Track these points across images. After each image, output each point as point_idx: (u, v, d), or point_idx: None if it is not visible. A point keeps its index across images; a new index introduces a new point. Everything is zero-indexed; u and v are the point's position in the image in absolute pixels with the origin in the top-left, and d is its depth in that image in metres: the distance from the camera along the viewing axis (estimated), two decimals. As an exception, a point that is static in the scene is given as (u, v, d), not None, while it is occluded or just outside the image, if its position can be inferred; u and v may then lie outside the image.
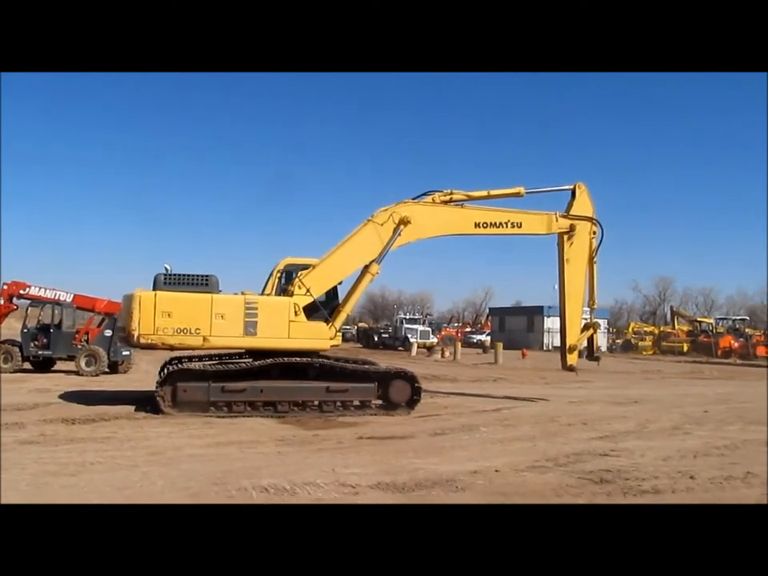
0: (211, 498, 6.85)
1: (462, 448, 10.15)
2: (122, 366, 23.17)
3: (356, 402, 13.67)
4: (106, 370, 22.06)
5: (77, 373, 21.42)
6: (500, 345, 35.85)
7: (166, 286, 13.38)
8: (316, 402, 13.36)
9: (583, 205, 16.39)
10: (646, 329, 64.28)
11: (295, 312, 13.56)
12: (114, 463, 8.46)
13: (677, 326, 59.39)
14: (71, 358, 22.25)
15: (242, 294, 13.94)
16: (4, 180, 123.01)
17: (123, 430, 10.93)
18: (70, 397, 15.43)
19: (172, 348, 13.68)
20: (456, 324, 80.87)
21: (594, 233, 16.41)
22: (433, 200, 15.41)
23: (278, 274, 14.43)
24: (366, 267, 14.71)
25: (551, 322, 59.63)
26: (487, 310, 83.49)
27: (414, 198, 15.28)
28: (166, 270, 13.76)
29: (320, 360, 13.38)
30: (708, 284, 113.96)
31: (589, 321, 17.35)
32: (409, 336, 48.84)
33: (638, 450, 10.10)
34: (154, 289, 13.39)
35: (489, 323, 72.69)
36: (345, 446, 10.10)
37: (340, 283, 14.73)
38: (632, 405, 16.43)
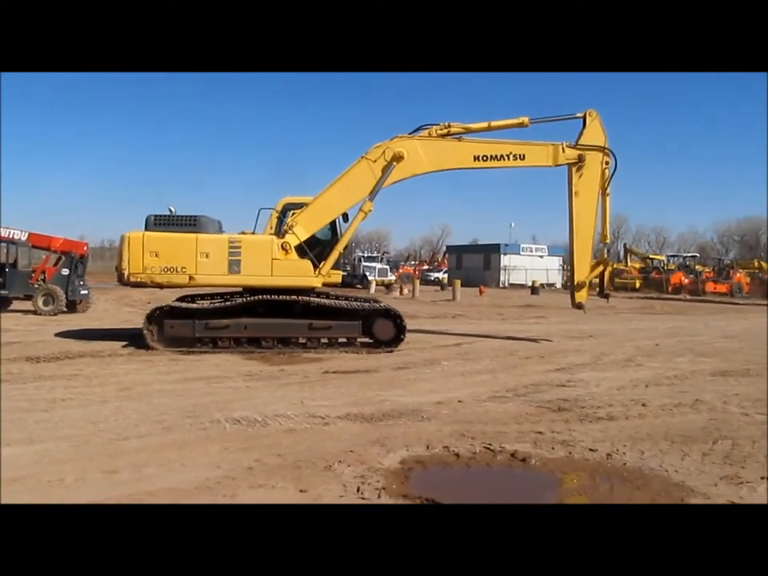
0: (185, 430, 7.05)
1: (425, 381, 10.46)
2: (80, 305, 22.91)
3: (342, 340, 13.77)
4: (64, 309, 21.80)
5: (34, 312, 21.16)
6: (458, 282, 36.23)
7: (156, 226, 13.78)
8: (301, 339, 13.49)
9: (594, 133, 15.22)
10: (599, 266, 65.30)
11: (286, 250, 13.72)
12: (85, 399, 8.55)
13: (629, 264, 60.47)
14: (28, 298, 21.92)
15: (242, 233, 14.12)
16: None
17: (90, 368, 10.98)
18: (31, 335, 15.36)
19: (161, 286, 14.01)
20: (413, 262, 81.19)
21: (607, 163, 15.23)
22: (429, 134, 14.82)
23: (277, 214, 14.47)
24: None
25: (507, 260, 60.54)
26: (444, 248, 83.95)
27: (410, 133, 14.79)
28: (170, 211, 14.06)
29: (302, 297, 13.38)
30: (660, 222, 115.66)
31: (600, 257, 16.71)
32: (367, 274, 49.04)
33: (593, 381, 10.53)
34: (146, 230, 13.74)
35: (446, 261, 73.14)
36: (311, 380, 10.33)
37: (346, 220, 14.65)
38: (587, 339, 16.92)
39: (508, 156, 14.83)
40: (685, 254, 59.91)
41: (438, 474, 5.95)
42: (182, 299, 14.47)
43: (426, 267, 73.78)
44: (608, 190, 15.25)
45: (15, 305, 22.54)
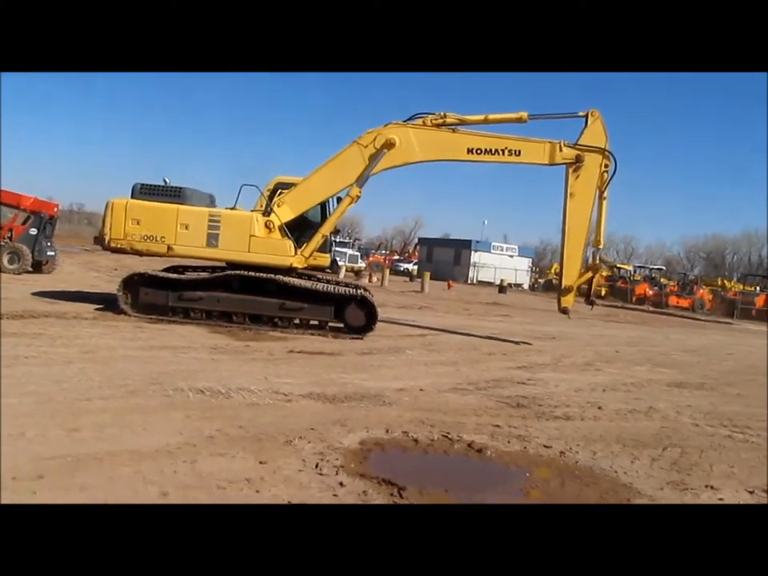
0: (149, 395, 7.10)
1: (389, 367, 10.59)
2: (46, 266, 22.64)
3: (314, 322, 13.72)
4: (30, 269, 21.56)
5: (-1, 269, 20.92)
6: (427, 275, 36.45)
7: (141, 195, 13.90)
8: (275, 319, 13.42)
9: (595, 134, 14.53)
10: (567, 271, 65.94)
11: (269, 228, 13.74)
12: (48, 358, 8.53)
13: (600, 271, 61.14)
14: (-7, 255, 21.65)
15: (233, 209, 14.13)
16: None
17: (54, 328, 10.92)
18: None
19: (140, 254, 14.13)
20: (384, 251, 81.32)
21: (606, 166, 14.55)
22: (423, 123, 14.44)
23: (268, 192, 14.41)
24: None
25: (478, 257, 60.88)
26: (416, 240, 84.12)
27: (404, 121, 14.48)
28: (165, 182, 14.12)
29: (277, 277, 13.31)
30: (630, 232, 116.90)
31: (591, 263, 15.67)
32: (337, 259, 49.02)
33: (553, 381, 10.73)
34: (132, 197, 13.87)
35: (417, 253, 73.34)
36: (276, 357, 10.39)
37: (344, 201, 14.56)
38: (549, 340, 17.18)
39: (503, 151, 14.34)
40: (651, 266, 60.72)
41: (396, 457, 6.08)
42: (168, 270, 14.33)
43: (396, 257, 73.93)
44: (605, 194, 14.69)
45: (-20, 261, 22.19)
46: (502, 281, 48.12)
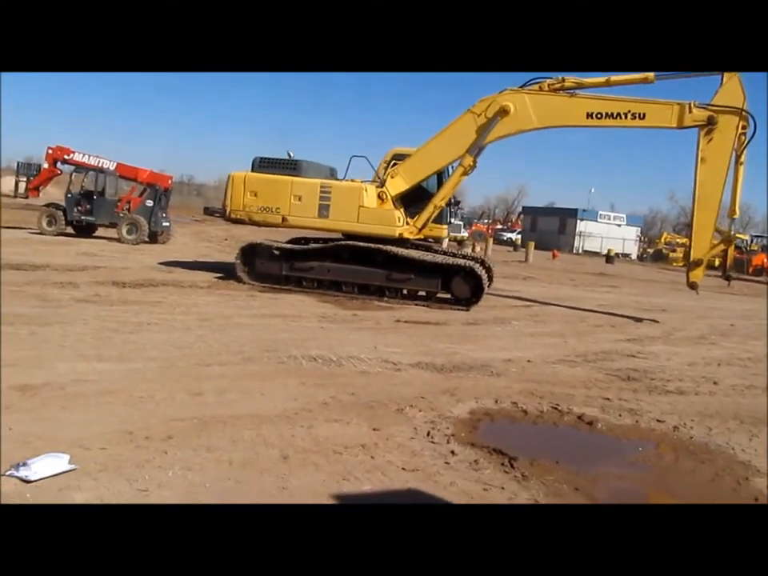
0: (264, 362, 7.37)
1: (495, 338, 10.59)
2: (161, 236, 23.64)
3: (421, 293, 13.81)
4: (146, 239, 22.58)
5: (118, 240, 21.96)
6: (532, 244, 35.87)
7: (261, 168, 14.49)
8: (384, 289, 13.58)
9: (731, 93, 13.14)
10: (678, 240, 63.63)
11: (382, 199, 13.90)
12: (169, 325, 8.97)
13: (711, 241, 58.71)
14: (113, 225, 22.74)
15: (353, 181, 14.37)
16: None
17: (172, 296, 11.45)
18: (116, 261, 16.00)
19: (258, 224, 14.76)
20: (487, 220, 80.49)
21: (744, 128, 13.23)
22: (540, 88, 13.79)
23: (385, 164, 14.58)
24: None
25: (584, 226, 59.41)
26: (520, 209, 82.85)
27: (520, 86, 13.89)
28: (289, 155, 14.62)
29: (383, 247, 13.42)
30: (747, 200, 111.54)
31: (725, 234, 14.69)
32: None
33: (664, 355, 10.46)
34: (252, 171, 14.48)
35: (520, 222, 72.28)
36: (383, 327, 10.56)
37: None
38: (660, 312, 16.68)
39: (626, 115, 13.39)
40: (764, 235, 57.77)
41: (506, 428, 6.12)
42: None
43: (499, 227, 73.12)
44: (742, 159, 13.42)
45: (100, 231, 23.44)
46: (609, 251, 46.79)
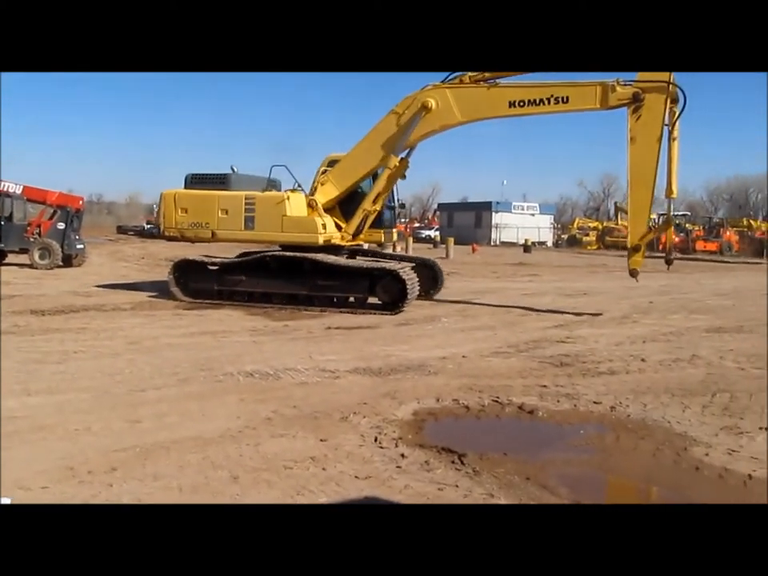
0: (200, 382, 7.23)
1: (428, 337, 10.67)
2: (75, 259, 22.93)
3: (351, 299, 13.54)
4: (60, 263, 21.85)
5: (30, 266, 21.21)
6: (451, 240, 36.31)
7: (192, 184, 14.44)
8: (312, 298, 13.41)
9: None
10: (590, 224, 65.63)
11: (312, 207, 13.77)
12: (97, 352, 8.70)
13: (620, 222, 60.64)
14: (24, 251, 21.90)
15: (291, 191, 14.16)
16: None
17: (95, 321, 11.11)
18: (32, 289, 15.45)
19: (191, 240, 14.64)
20: (404, 219, 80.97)
21: (674, 101, 12.66)
22: (461, 80, 13.45)
23: (322, 169, 14.49)
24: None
25: (499, 218, 60.57)
26: (435, 206, 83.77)
27: (442, 81, 13.56)
28: (233, 170, 14.46)
29: (308, 255, 13.34)
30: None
31: (666, 216, 14.10)
32: (360, 230, 49.00)
33: (592, 337, 10.76)
34: (184, 187, 14.42)
35: (437, 219, 73.03)
36: (316, 335, 10.50)
37: (403, 177, 14.72)
38: (581, 296, 17.16)
39: (548, 100, 12.83)
40: (675, 213, 60.06)
41: (451, 425, 6.18)
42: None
43: (417, 225, 73.68)
44: (675, 134, 12.71)
45: (11, 258, 22.51)
46: (525, 240, 47.82)
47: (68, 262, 22.42)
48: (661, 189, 13.11)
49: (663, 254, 14.39)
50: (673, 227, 14.52)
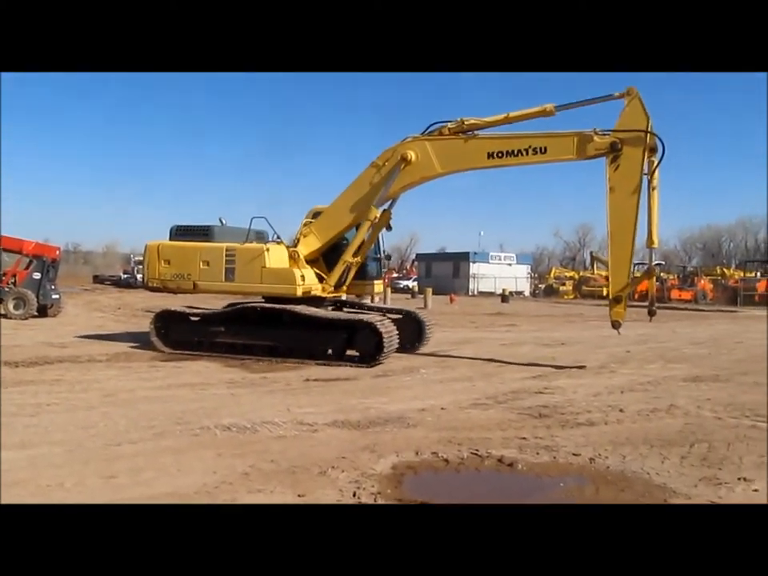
0: (176, 436, 7.13)
1: (406, 388, 10.62)
2: (51, 309, 22.75)
3: (329, 351, 13.38)
4: (35, 313, 21.66)
5: (5, 316, 20.99)
6: (429, 290, 36.47)
7: (177, 236, 14.58)
8: (290, 350, 13.31)
9: (634, 115, 12.34)
10: (566, 274, 66.32)
11: (294, 259, 13.80)
12: (71, 404, 8.59)
13: (596, 271, 61.30)
14: (-2, 301, 21.75)
15: (278, 243, 14.23)
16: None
17: (70, 373, 10.99)
18: (5, 339, 15.22)
19: (173, 291, 14.65)
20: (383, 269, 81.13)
21: (653, 151, 12.43)
22: (440, 132, 13.48)
23: (305, 221, 14.50)
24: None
25: (476, 268, 61.00)
26: (413, 256, 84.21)
27: (421, 133, 13.63)
28: (221, 222, 14.65)
29: (289, 307, 13.31)
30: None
31: (648, 266, 13.51)
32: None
33: (570, 388, 10.77)
34: (169, 239, 14.58)
35: (415, 269, 73.38)
36: (294, 387, 10.43)
37: (389, 229, 14.80)
38: (559, 346, 17.22)
39: (526, 151, 12.78)
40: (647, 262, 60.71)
41: (430, 479, 6.12)
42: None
43: (395, 275, 73.94)
44: (655, 183, 12.48)
45: (-16, 309, 22.27)
46: (503, 290, 48.16)
47: (43, 312, 22.25)
48: (641, 238, 12.79)
49: (639, 304, 14.50)
50: (654, 278, 14.11)
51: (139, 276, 50.96)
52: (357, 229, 14.23)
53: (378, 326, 12.81)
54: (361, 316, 13.63)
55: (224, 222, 14.74)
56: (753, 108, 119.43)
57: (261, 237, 14.74)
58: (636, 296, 46.80)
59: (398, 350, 13.93)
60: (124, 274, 59.01)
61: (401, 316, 15.11)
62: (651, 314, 13.64)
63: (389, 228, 14.83)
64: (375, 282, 15.62)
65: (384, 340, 12.70)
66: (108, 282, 60.16)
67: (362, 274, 14.93)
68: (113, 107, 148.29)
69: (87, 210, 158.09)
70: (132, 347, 14.56)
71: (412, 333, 15.11)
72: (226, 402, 9.03)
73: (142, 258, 15.24)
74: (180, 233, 14.58)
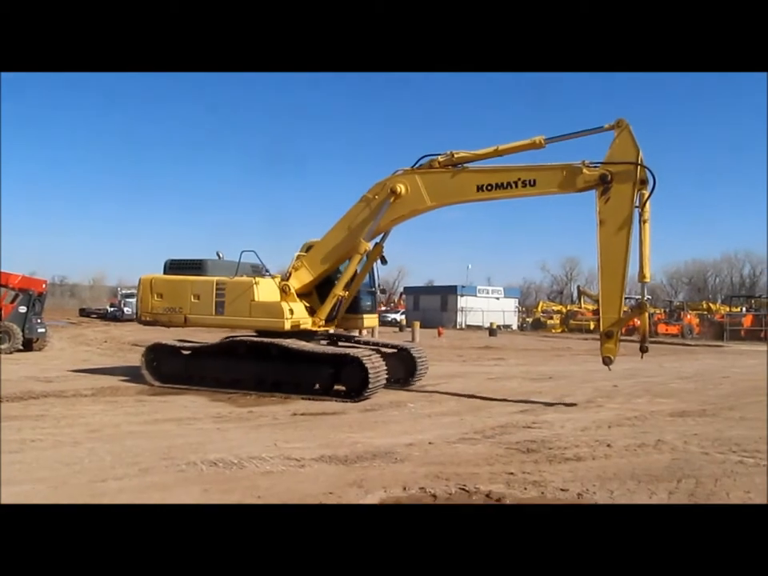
0: (163, 471, 7.07)
1: (394, 422, 10.60)
2: (36, 343, 22.63)
3: (316, 386, 13.25)
4: (21, 347, 21.52)
5: (-10, 350, 20.83)
6: (417, 323, 36.45)
7: (171, 270, 14.70)
8: (278, 383, 13.25)
9: (624, 147, 12.15)
10: (554, 307, 66.63)
11: (285, 292, 13.78)
12: (55, 440, 8.51)
13: (583, 305, 61.61)
14: (-17, 336, 21.59)
15: (267, 276, 14.31)
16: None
17: (55, 408, 10.90)
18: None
19: (165, 325, 14.75)
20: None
21: (643, 183, 12.10)
22: (430, 165, 13.37)
23: (296, 254, 14.44)
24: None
25: (464, 301, 61.13)
26: (401, 289, 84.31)
27: (412, 166, 13.58)
28: (219, 257, 14.67)
29: (277, 340, 13.27)
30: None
31: (640, 301, 13.02)
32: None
33: (558, 422, 10.76)
34: (163, 273, 14.69)
35: (403, 302, 73.45)
36: (281, 421, 10.38)
37: (384, 262, 14.86)
38: (547, 380, 17.23)
39: (516, 183, 12.60)
40: (636, 296, 60.94)
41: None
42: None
43: (383, 308, 73.93)
44: (646, 216, 12.18)
45: (-31, 343, 22.09)
46: (491, 323, 48.29)
47: (29, 345, 22.12)
48: (632, 269, 12.52)
49: (627, 338, 14.20)
50: (647, 314, 13.41)
51: (126, 309, 50.94)
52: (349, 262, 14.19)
53: (365, 361, 12.62)
54: (348, 350, 13.41)
55: (221, 255, 14.74)
56: (738, 143, 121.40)
57: (256, 270, 14.76)
58: (623, 330, 47.22)
59: (392, 385, 14.00)
60: (111, 306, 58.69)
61: (395, 350, 15.05)
62: (643, 350, 13.12)
63: (384, 261, 14.88)
64: (368, 315, 15.56)
65: (370, 375, 12.53)
66: (94, 315, 59.83)
67: (356, 307, 14.92)
68: (99, 137, 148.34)
69: (74, 242, 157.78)
70: (119, 381, 14.47)
71: (405, 368, 15.01)
72: (213, 437, 8.98)
73: (129, 291, 15.31)
74: (174, 266, 14.68)
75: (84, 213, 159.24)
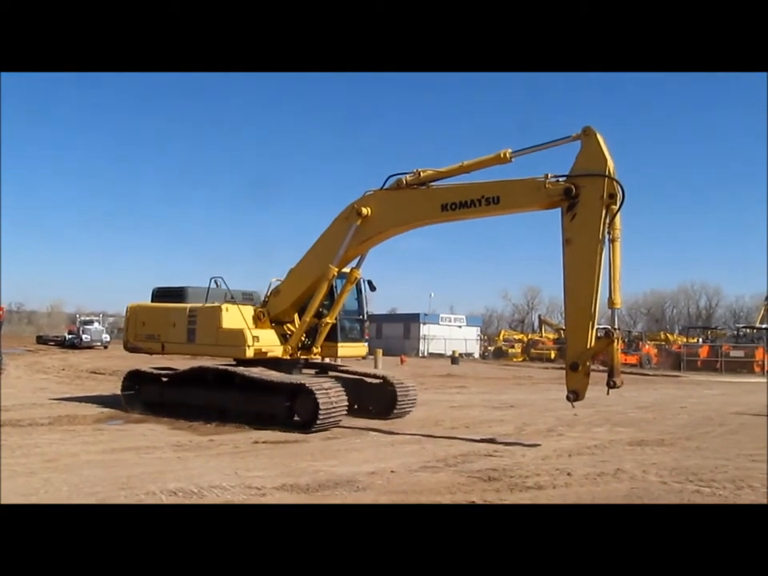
0: (120, 501, 6.96)
1: (356, 450, 10.57)
2: (-9, 371, 22.20)
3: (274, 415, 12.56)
4: (-25, 375, 21.10)
5: (-58, 379, 20.38)
6: (379, 351, 36.35)
7: (157, 298, 14.82)
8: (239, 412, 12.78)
9: (591, 156, 10.76)
10: (515, 336, 67.09)
11: (259, 319, 13.61)
12: (10, 471, 8.31)
13: (544, 334, 62.20)
14: (-64, 363, 21.14)
15: (234, 303, 13.77)
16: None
17: (11, 438, 10.67)
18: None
19: (148, 352, 14.85)
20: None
21: (612, 196, 10.61)
22: (398, 185, 12.48)
23: (274, 280, 14.23)
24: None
25: (427, 329, 61.34)
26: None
27: (381, 187, 12.78)
28: (217, 284, 14.27)
29: (232, 368, 13.05)
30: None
31: (610, 330, 11.12)
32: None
33: (519, 451, 10.83)
34: (151, 300, 14.85)
35: (366, 330, 73.37)
36: (242, 450, 10.29)
37: (372, 288, 15.01)
38: (508, 409, 17.35)
39: (480, 201, 11.56)
40: (605, 325, 61.81)
41: (379, 544, 6.07)
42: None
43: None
44: (616, 234, 10.68)
45: None
46: (453, 352, 48.46)
47: (-17, 373, 21.64)
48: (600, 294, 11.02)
49: (593, 368, 11.60)
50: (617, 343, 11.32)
51: (85, 336, 50.13)
52: (371, 288, 14.33)
53: (317, 393, 11.88)
54: (303, 380, 12.58)
55: (219, 283, 14.15)
56: (703, 173, 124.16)
57: (249, 298, 14.70)
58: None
59: (369, 416, 14.01)
60: (69, 334, 57.61)
61: (379, 381, 14.56)
62: (610, 386, 11.19)
63: (372, 288, 14.80)
64: (352, 344, 14.94)
65: (320, 407, 11.78)
66: (52, 343, 58.57)
67: (340, 334, 14.29)
68: (60, 161, 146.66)
69: (32, 269, 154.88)
70: (76, 409, 14.22)
71: (385, 399, 14.35)
72: (173, 466, 8.87)
73: (88, 318, 15.33)
74: (159, 294, 14.81)
75: (42, 238, 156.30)
